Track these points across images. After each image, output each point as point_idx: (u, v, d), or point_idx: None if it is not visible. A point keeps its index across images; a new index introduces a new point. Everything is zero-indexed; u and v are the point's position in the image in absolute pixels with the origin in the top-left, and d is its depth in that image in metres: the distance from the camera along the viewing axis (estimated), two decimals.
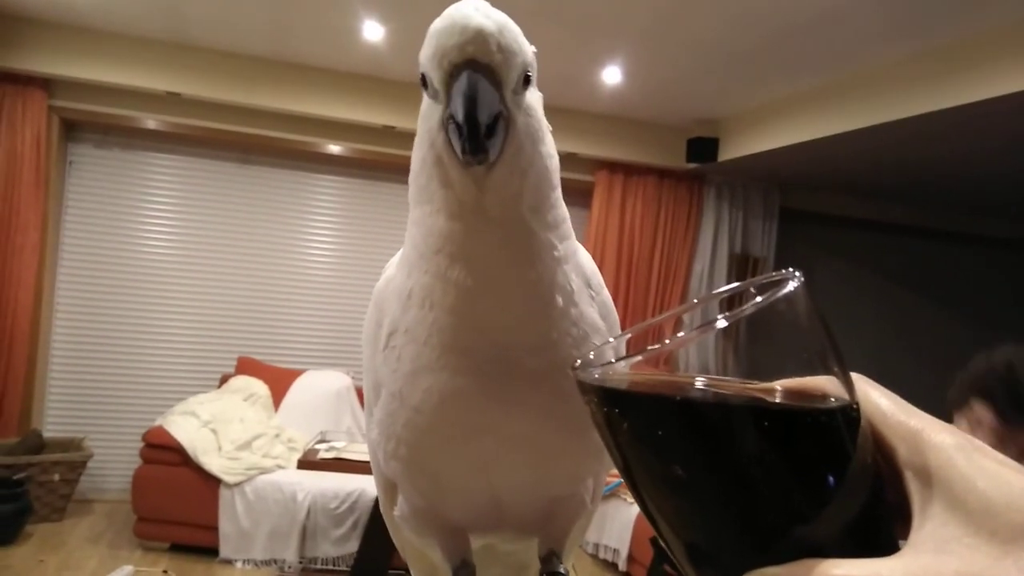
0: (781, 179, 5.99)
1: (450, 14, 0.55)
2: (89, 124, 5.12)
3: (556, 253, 0.61)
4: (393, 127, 5.11)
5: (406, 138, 5.14)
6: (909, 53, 3.86)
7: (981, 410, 1.52)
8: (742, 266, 5.97)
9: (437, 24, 0.56)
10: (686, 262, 5.89)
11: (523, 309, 0.60)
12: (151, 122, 5.07)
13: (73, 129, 5.15)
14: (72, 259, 5.17)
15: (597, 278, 0.69)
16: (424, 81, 0.58)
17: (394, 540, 0.87)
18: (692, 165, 5.58)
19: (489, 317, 0.59)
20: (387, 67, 4.85)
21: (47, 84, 4.78)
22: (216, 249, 5.40)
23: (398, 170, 5.55)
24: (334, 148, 5.39)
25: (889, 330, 6.47)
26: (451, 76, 0.54)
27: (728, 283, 0.38)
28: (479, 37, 0.53)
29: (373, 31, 4.27)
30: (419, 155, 0.60)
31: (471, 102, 0.52)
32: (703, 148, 5.42)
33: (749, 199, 6.05)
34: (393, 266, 0.69)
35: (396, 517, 0.75)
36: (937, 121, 3.87)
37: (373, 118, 5.12)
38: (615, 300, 0.73)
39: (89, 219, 5.20)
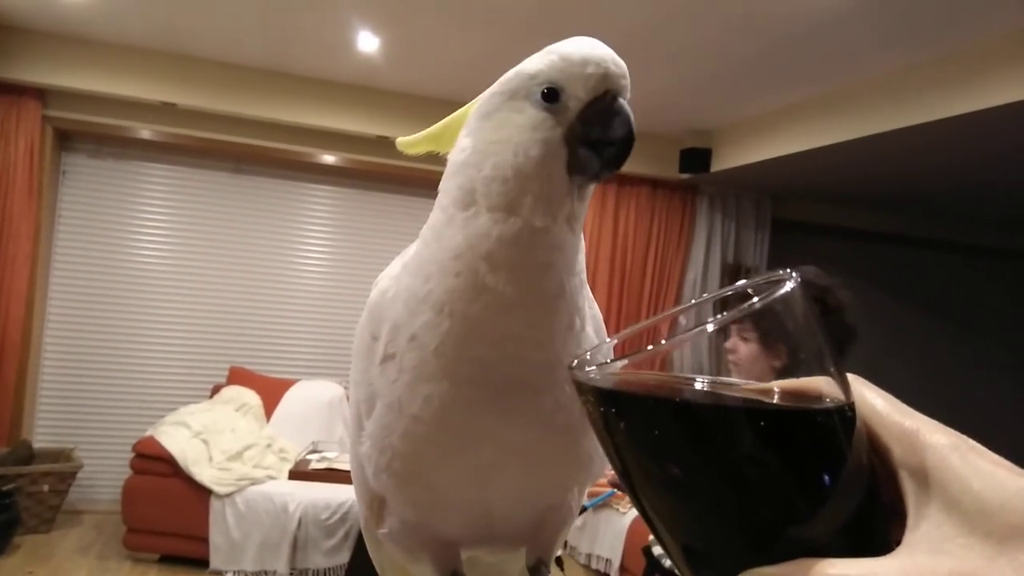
0: (773, 189, 6.02)
1: (599, 46, 0.60)
2: (83, 134, 5.11)
3: (583, 276, 0.64)
4: (387, 137, 5.12)
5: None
6: (901, 65, 3.89)
7: (747, 330, 1.82)
8: (735, 276, 5.99)
9: (586, 50, 0.60)
10: (679, 272, 5.90)
11: (547, 326, 0.61)
12: (145, 132, 5.07)
13: (67, 139, 5.14)
14: (64, 269, 5.15)
15: (591, 294, 0.71)
16: (550, 93, 0.59)
17: (373, 557, 0.86)
18: (685, 176, 5.60)
19: (512, 330, 0.60)
20: (382, 78, 4.86)
21: (41, 94, 4.77)
22: (209, 259, 5.39)
23: (392, 180, 5.55)
24: (328, 158, 5.39)
25: (882, 339, 6.49)
26: (597, 99, 0.59)
27: None
28: (625, 75, 0.60)
29: (368, 42, 4.28)
30: (502, 161, 0.60)
31: (630, 126, 0.59)
32: (696, 159, 5.44)
33: (742, 209, 6.08)
34: (388, 278, 0.69)
35: (383, 534, 0.75)
36: (930, 132, 3.89)
37: (367, 128, 5.12)
38: (608, 310, 0.75)
39: (82, 229, 5.18)
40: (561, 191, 0.59)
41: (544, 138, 0.59)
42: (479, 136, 0.61)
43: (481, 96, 0.63)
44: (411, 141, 0.70)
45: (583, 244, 0.64)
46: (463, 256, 0.59)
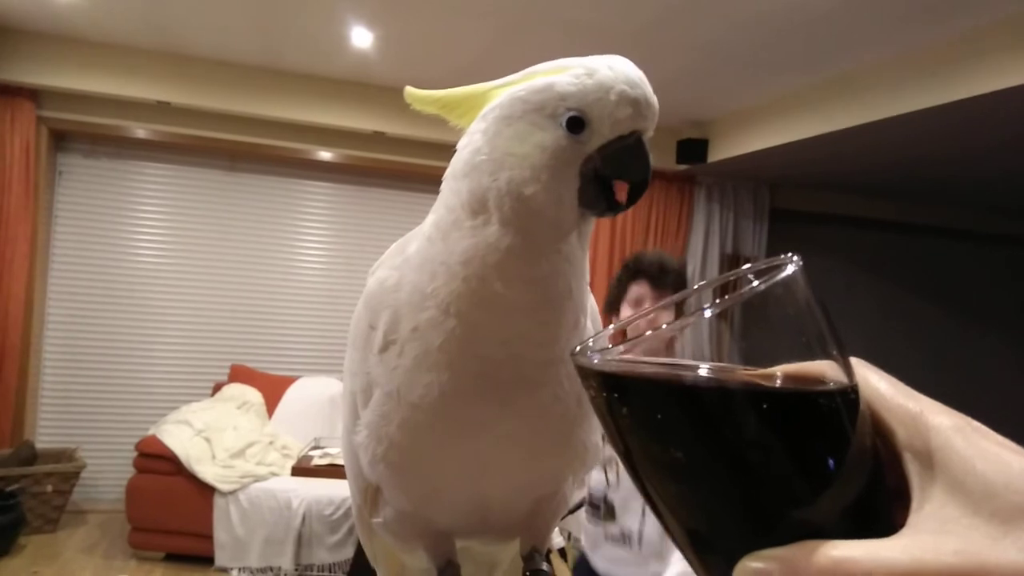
0: (771, 179, 6.02)
1: (636, 80, 0.58)
2: (78, 134, 5.10)
3: (587, 277, 0.65)
4: (383, 133, 5.11)
5: (396, 144, 5.17)
6: (896, 53, 3.88)
7: (637, 288, 1.96)
8: (733, 266, 5.97)
9: (621, 84, 0.58)
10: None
11: (554, 325, 0.62)
12: (140, 131, 5.06)
13: (62, 139, 5.12)
14: (63, 270, 5.14)
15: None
16: (576, 122, 0.58)
17: (364, 546, 0.87)
18: (682, 166, 5.59)
19: (519, 330, 0.61)
20: (376, 73, 4.85)
21: (35, 95, 4.76)
22: (207, 257, 5.38)
23: (388, 175, 5.54)
24: (324, 155, 5.38)
25: (881, 326, 6.50)
26: (622, 137, 0.59)
27: None
28: (655, 115, 0.60)
29: (361, 38, 4.26)
30: (517, 177, 0.59)
31: (648, 171, 0.60)
32: (693, 149, 5.44)
33: (739, 199, 6.07)
34: (387, 267, 0.68)
35: (377, 523, 0.75)
36: (925, 119, 3.89)
37: (362, 124, 5.11)
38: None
39: (79, 229, 5.17)
40: (571, 217, 0.60)
41: (562, 167, 0.59)
42: (496, 143, 0.60)
43: (504, 95, 0.62)
44: (422, 97, 0.67)
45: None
46: (471, 262, 0.59)
